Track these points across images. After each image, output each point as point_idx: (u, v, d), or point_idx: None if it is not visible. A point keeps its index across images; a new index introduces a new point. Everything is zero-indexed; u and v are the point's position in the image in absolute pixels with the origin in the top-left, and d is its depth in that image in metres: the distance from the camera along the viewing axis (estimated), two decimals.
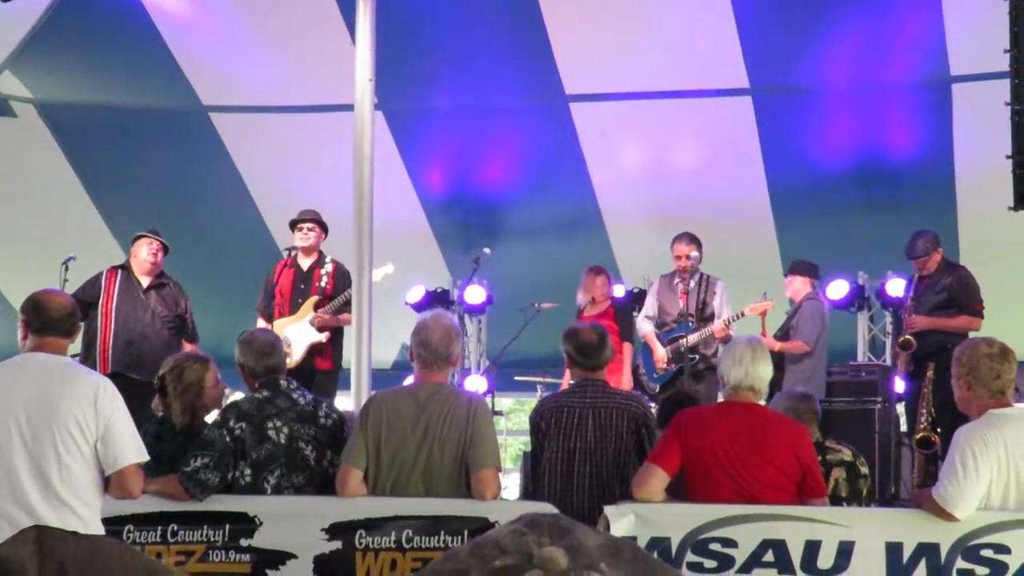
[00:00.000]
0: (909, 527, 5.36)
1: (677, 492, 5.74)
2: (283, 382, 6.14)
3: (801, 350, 10.06)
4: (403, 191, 12.51)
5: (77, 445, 4.86)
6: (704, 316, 10.06)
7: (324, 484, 5.92)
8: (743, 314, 9.99)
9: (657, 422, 6.73)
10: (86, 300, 9.31)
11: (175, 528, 5.64)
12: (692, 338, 9.88)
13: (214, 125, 12.35)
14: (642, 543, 5.26)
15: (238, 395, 6.76)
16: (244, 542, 5.58)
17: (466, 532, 5.44)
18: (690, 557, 5.35)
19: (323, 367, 9.79)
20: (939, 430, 9.22)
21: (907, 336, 9.71)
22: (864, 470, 7.23)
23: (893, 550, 5.30)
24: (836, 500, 6.81)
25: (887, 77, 11.29)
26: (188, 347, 9.63)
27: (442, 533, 5.51)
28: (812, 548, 5.32)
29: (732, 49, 11.04)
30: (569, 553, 2.43)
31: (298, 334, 9.71)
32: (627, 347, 10.32)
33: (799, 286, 10.46)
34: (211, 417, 6.33)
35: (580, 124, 11.99)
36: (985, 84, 10.08)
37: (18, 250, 13.18)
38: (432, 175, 12.83)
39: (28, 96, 12.08)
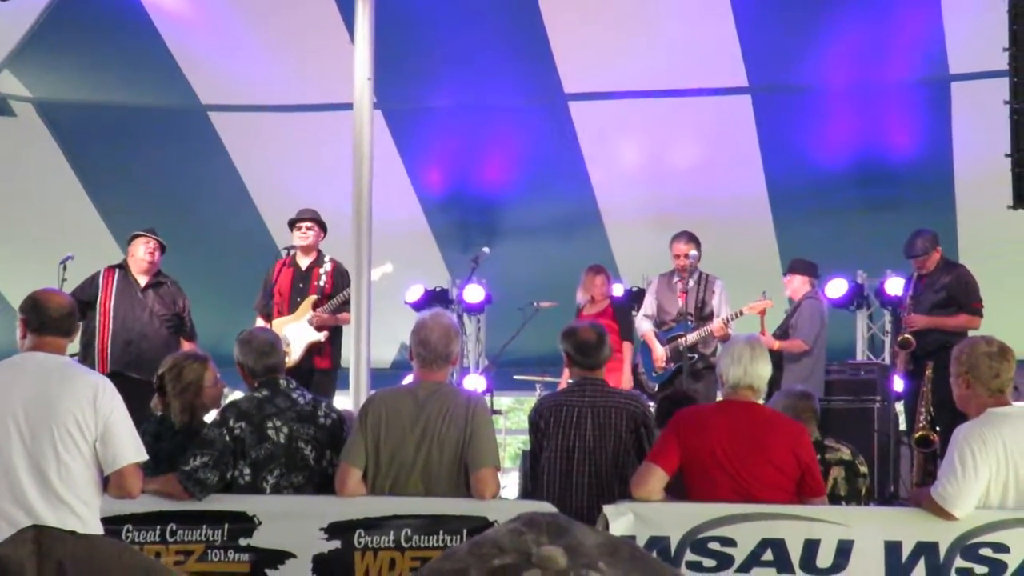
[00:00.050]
0: (908, 526, 5.36)
1: (676, 491, 5.74)
2: (283, 381, 6.14)
3: (800, 349, 10.05)
4: (402, 190, 12.51)
5: (76, 444, 4.86)
6: (703, 315, 10.05)
7: (323, 484, 5.92)
8: (742, 313, 9.99)
9: (655, 421, 6.73)
10: (84, 300, 9.30)
11: (174, 528, 5.64)
12: (691, 337, 9.88)
13: (213, 124, 12.35)
14: (641, 542, 5.26)
15: (237, 394, 6.75)
16: (243, 541, 5.58)
17: (465, 531, 5.44)
18: (689, 556, 5.35)
19: (322, 366, 9.79)
20: (938, 429, 9.23)
21: (906, 335, 9.71)
22: (863, 469, 7.23)
23: (892, 549, 5.30)
24: (835, 499, 6.81)
25: (886, 76, 11.29)
26: (187, 346, 9.63)
27: (441, 532, 5.51)
28: (811, 547, 5.32)
29: (731, 48, 11.04)
30: (567, 552, 2.43)
31: (297, 333, 9.70)
32: (627, 346, 10.32)
33: (798, 285, 10.45)
34: (210, 416, 6.33)
35: (579, 123, 11.99)
36: (984, 83, 10.08)
37: (17, 249, 13.18)
38: (431, 174, 12.83)
39: (27, 95, 12.08)
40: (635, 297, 11.60)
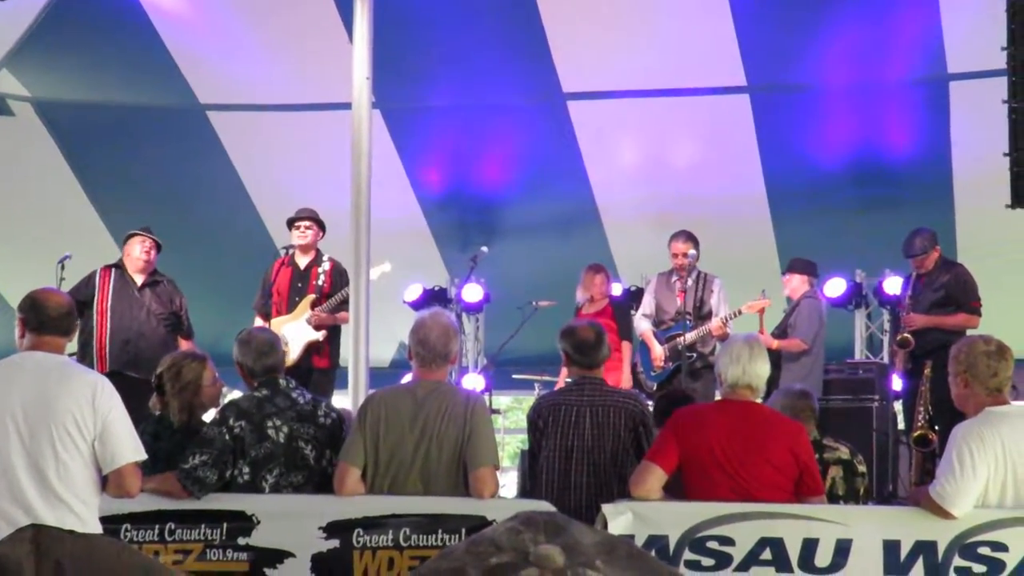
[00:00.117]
0: (906, 525, 5.36)
1: (675, 490, 5.74)
2: (282, 381, 6.14)
3: (799, 348, 10.05)
4: (401, 189, 12.51)
5: (75, 443, 4.86)
6: (701, 314, 10.05)
7: (323, 483, 5.92)
8: (740, 312, 9.99)
9: (653, 420, 6.72)
10: (80, 299, 9.29)
11: (173, 527, 5.64)
12: (690, 336, 9.88)
13: (211, 123, 12.34)
14: (640, 541, 5.26)
15: (236, 393, 6.75)
16: (242, 541, 5.58)
17: (464, 530, 5.44)
18: (688, 555, 5.35)
19: (320, 365, 9.79)
20: (937, 428, 9.24)
21: (905, 334, 9.72)
22: (861, 468, 7.23)
23: (891, 548, 5.30)
24: (833, 498, 6.81)
25: (885, 75, 11.29)
26: (184, 344, 9.65)
27: (440, 531, 5.51)
28: (810, 546, 5.32)
29: (729, 47, 11.04)
30: (565, 551, 2.43)
31: (295, 332, 9.70)
32: (626, 346, 10.32)
33: (797, 284, 10.45)
34: (209, 416, 6.33)
35: (578, 122, 11.99)
36: (983, 82, 10.09)
37: (15, 249, 13.18)
38: (429, 173, 12.83)
39: (25, 95, 12.07)
40: (634, 296, 11.59)
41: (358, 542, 5.53)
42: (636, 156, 12.52)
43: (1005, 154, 7.50)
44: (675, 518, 5.44)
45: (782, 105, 11.73)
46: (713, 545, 5.36)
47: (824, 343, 10.30)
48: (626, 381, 10.04)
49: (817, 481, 5.77)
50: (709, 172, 12.16)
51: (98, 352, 9.47)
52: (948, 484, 5.23)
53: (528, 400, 12.89)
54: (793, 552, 5.32)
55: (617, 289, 11.47)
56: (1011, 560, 5.21)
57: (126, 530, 5.57)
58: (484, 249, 11.69)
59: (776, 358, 9.17)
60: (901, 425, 10.63)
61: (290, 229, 10.10)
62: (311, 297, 9.84)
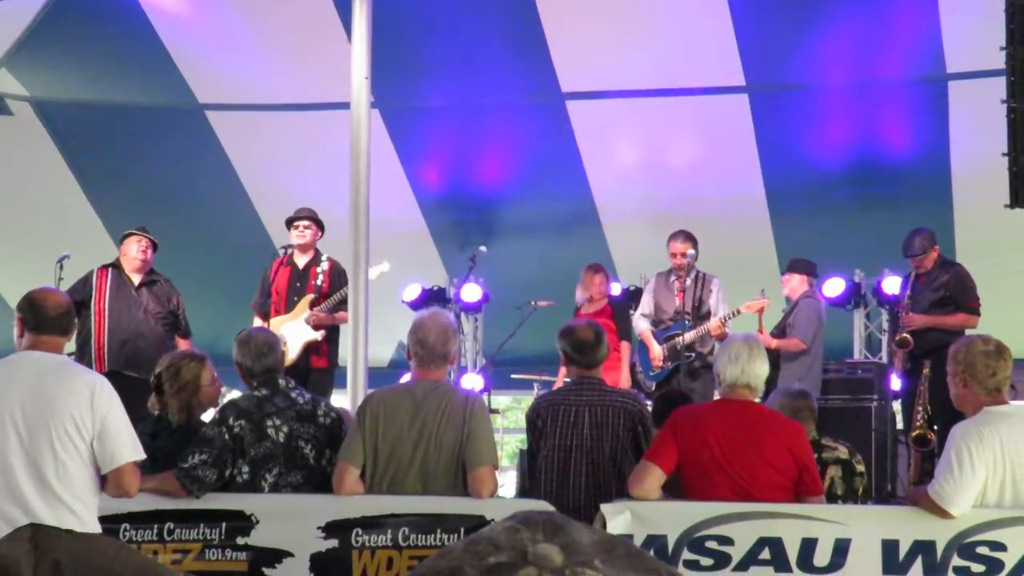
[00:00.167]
0: (905, 524, 5.36)
1: (674, 490, 5.74)
2: (282, 381, 6.15)
3: (798, 348, 10.06)
4: (399, 189, 12.50)
5: (73, 443, 4.87)
6: (700, 314, 10.05)
7: (322, 483, 5.93)
8: (739, 312, 10.00)
9: (652, 420, 6.72)
10: (77, 300, 9.28)
11: (171, 526, 5.64)
12: (688, 336, 9.89)
13: (210, 123, 12.33)
14: (638, 541, 5.26)
15: (235, 393, 6.76)
16: (241, 540, 5.59)
17: (463, 530, 5.45)
18: (686, 555, 5.35)
19: (319, 365, 9.79)
20: (935, 428, 9.24)
21: (904, 334, 9.72)
22: (860, 468, 7.23)
23: (889, 547, 5.30)
24: (832, 498, 6.80)
25: (883, 75, 11.30)
26: (182, 343, 9.67)
27: (439, 531, 5.51)
28: (808, 546, 5.33)
29: (728, 47, 11.03)
30: (563, 550, 2.42)
31: (294, 332, 9.70)
32: (624, 345, 10.32)
33: (796, 284, 10.45)
34: (207, 415, 6.34)
35: (576, 122, 11.99)
36: (981, 81, 10.09)
37: (13, 248, 13.17)
38: (428, 173, 12.83)
39: (24, 94, 12.06)
40: (633, 296, 11.59)
41: (357, 542, 5.53)
42: (635, 156, 12.52)
43: (1004, 154, 7.48)
44: (674, 518, 5.44)
45: (781, 105, 11.73)
46: (712, 545, 5.36)
47: (823, 343, 10.31)
48: (625, 381, 10.05)
49: (816, 481, 5.77)
50: (708, 172, 12.15)
51: (96, 352, 9.48)
52: (947, 484, 5.23)
53: (527, 400, 12.88)
54: (792, 552, 5.32)
55: (616, 289, 11.48)
56: (1010, 560, 5.21)
57: (125, 530, 5.58)
58: (483, 249, 11.70)
59: (775, 358, 9.17)
60: (900, 425, 10.63)
61: (289, 229, 10.10)
62: (310, 297, 9.83)
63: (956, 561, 5.23)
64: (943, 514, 5.24)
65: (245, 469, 5.86)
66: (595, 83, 11.68)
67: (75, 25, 11.21)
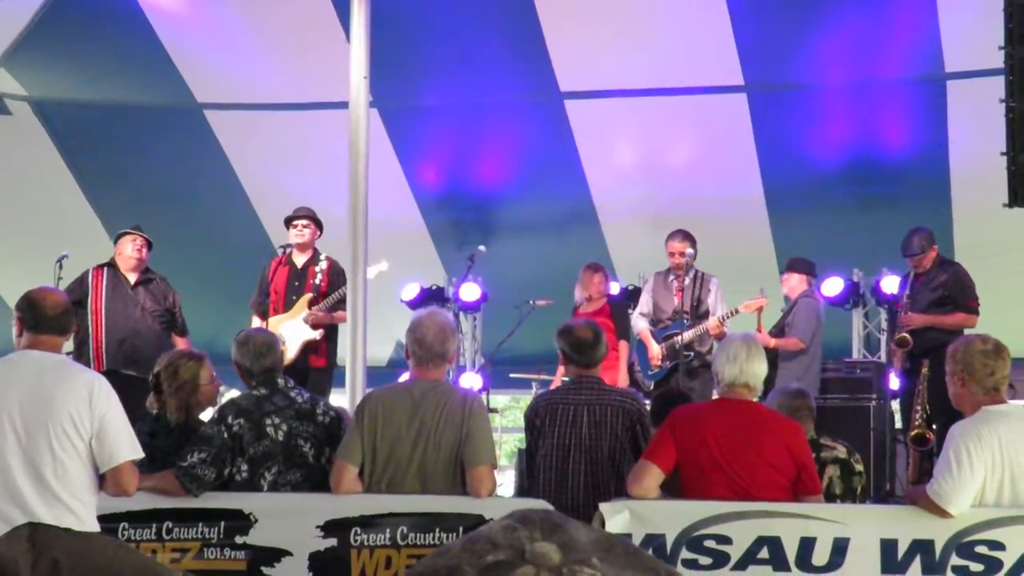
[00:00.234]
0: (904, 523, 5.36)
1: (672, 489, 5.74)
2: (280, 381, 6.16)
3: (796, 347, 10.06)
4: (398, 188, 12.50)
5: (72, 442, 4.87)
6: (699, 313, 10.05)
7: (321, 481, 5.92)
8: (738, 311, 10.00)
9: (651, 419, 6.72)
10: (74, 299, 9.26)
11: (170, 525, 5.65)
12: (687, 335, 9.89)
13: (209, 122, 12.33)
14: (637, 540, 5.25)
15: (233, 393, 6.76)
16: (239, 539, 5.59)
17: (461, 529, 5.43)
18: (685, 554, 5.35)
19: (317, 364, 9.78)
20: (934, 427, 9.24)
21: (903, 334, 9.72)
22: (859, 467, 7.23)
23: (888, 547, 5.30)
24: (830, 497, 6.81)
25: (882, 74, 11.30)
26: (179, 341, 9.68)
27: (437, 530, 5.51)
28: (807, 545, 5.33)
29: (727, 46, 11.03)
30: (561, 548, 2.43)
31: (292, 331, 9.69)
32: (623, 345, 10.31)
33: (795, 283, 10.46)
34: (206, 415, 6.34)
35: (575, 121, 11.98)
36: (980, 81, 10.09)
37: (12, 248, 13.17)
38: (427, 172, 12.82)
39: (23, 93, 12.06)
40: (631, 295, 11.59)
41: (356, 541, 5.53)
42: (633, 155, 12.52)
43: (1002, 153, 7.48)
44: (672, 517, 5.44)
45: (779, 104, 11.73)
46: (710, 544, 5.36)
47: (821, 342, 10.31)
48: (623, 380, 10.04)
49: (814, 480, 5.76)
50: (706, 171, 12.15)
51: (94, 351, 9.48)
52: (945, 483, 5.23)
53: (525, 399, 12.88)
54: (790, 551, 5.32)
55: (614, 288, 11.48)
56: (1008, 559, 5.21)
57: (124, 529, 5.58)
58: (481, 248, 11.70)
59: (773, 357, 9.18)
60: (898, 424, 10.63)
61: (287, 228, 10.10)
62: (308, 296, 9.83)
63: (955, 560, 5.23)
64: (942, 513, 5.24)
65: (244, 468, 5.86)
66: (594, 82, 11.68)
67: (74, 25, 11.21)
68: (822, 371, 10.42)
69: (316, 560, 5.53)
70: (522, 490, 8.82)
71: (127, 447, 4.98)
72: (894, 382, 10.42)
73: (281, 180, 12.47)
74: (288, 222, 10.09)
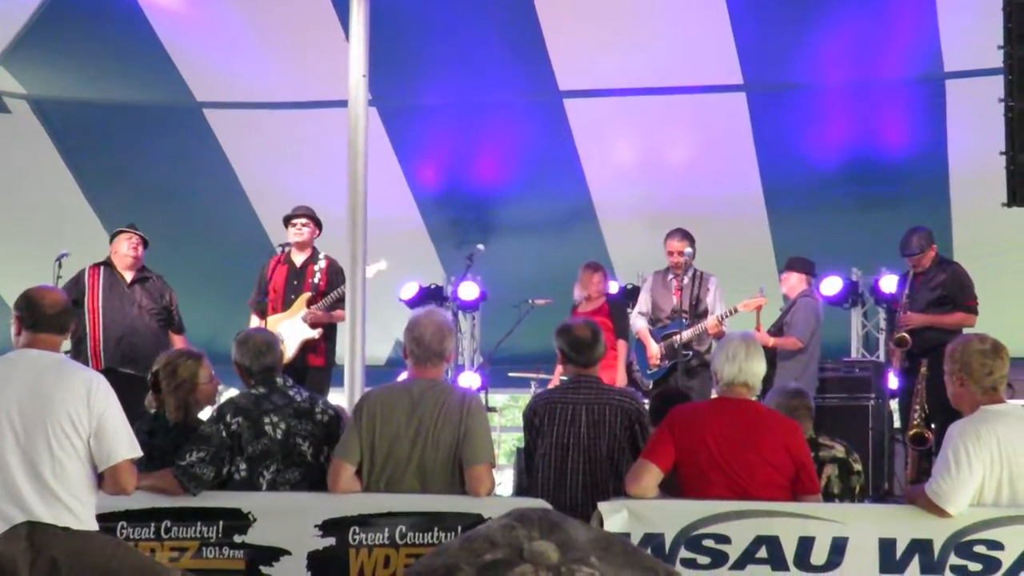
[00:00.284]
0: (902, 523, 5.36)
1: (671, 488, 5.74)
2: (279, 380, 6.16)
3: (795, 346, 10.06)
4: (397, 187, 12.50)
5: (70, 441, 4.87)
6: (698, 312, 10.05)
7: (320, 480, 5.92)
8: (736, 310, 10.00)
9: (649, 418, 6.72)
10: (71, 299, 9.29)
11: (169, 524, 5.64)
12: (686, 334, 9.89)
13: (208, 121, 12.33)
14: (636, 539, 5.25)
15: (232, 392, 6.76)
16: (238, 538, 5.59)
17: (460, 528, 5.42)
18: (684, 553, 5.35)
19: (316, 363, 9.78)
20: (933, 426, 9.24)
21: (903, 333, 9.72)
22: (857, 467, 7.23)
23: (886, 546, 5.30)
24: (829, 497, 6.81)
25: (881, 73, 11.30)
26: (175, 339, 9.70)
27: (436, 529, 5.51)
28: (805, 544, 5.32)
29: (726, 45, 11.03)
30: (560, 547, 2.43)
31: (291, 330, 9.69)
32: (621, 344, 10.30)
33: (795, 282, 10.46)
34: (204, 414, 6.34)
35: (574, 120, 11.98)
36: (979, 80, 10.09)
37: (11, 246, 13.17)
38: (426, 171, 12.82)
39: (22, 92, 12.06)
40: (630, 294, 11.59)
41: (354, 540, 5.53)
42: (632, 154, 12.52)
43: (1001, 153, 7.48)
44: (671, 516, 5.44)
45: (778, 103, 11.73)
46: (709, 543, 5.36)
47: (820, 342, 10.32)
48: (621, 379, 10.03)
49: (813, 479, 5.76)
50: (705, 170, 12.15)
51: (92, 350, 9.48)
52: (944, 482, 5.23)
53: (524, 398, 12.89)
54: (789, 550, 5.32)
55: (613, 287, 11.48)
56: (1007, 558, 5.21)
57: (122, 528, 5.58)
58: (480, 247, 11.70)
59: (771, 356, 9.18)
60: (897, 423, 10.63)
61: (286, 226, 10.10)
62: (307, 295, 9.83)
63: (953, 560, 5.23)
64: (940, 513, 5.24)
65: (243, 466, 5.87)
66: (593, 81, 11.68)
67: (73, 23, 11.20)
68: (821, 370, 10.43)
69: (315, 559, 5.53)
70: (521, 489, 8.84)
71: (125, 446, 4.98)
72: (893, 381, 10.42)
73: (280, 179, 12.47)
74: (287, 221, 10.09)
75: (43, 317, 5.09)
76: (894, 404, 10.72)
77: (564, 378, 6.92)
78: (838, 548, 5.31)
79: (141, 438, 5.26)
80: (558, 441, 6.39)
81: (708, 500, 5.49)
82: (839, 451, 7.20)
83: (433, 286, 12.91)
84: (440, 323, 5.90)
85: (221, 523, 5.62)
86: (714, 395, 6.42)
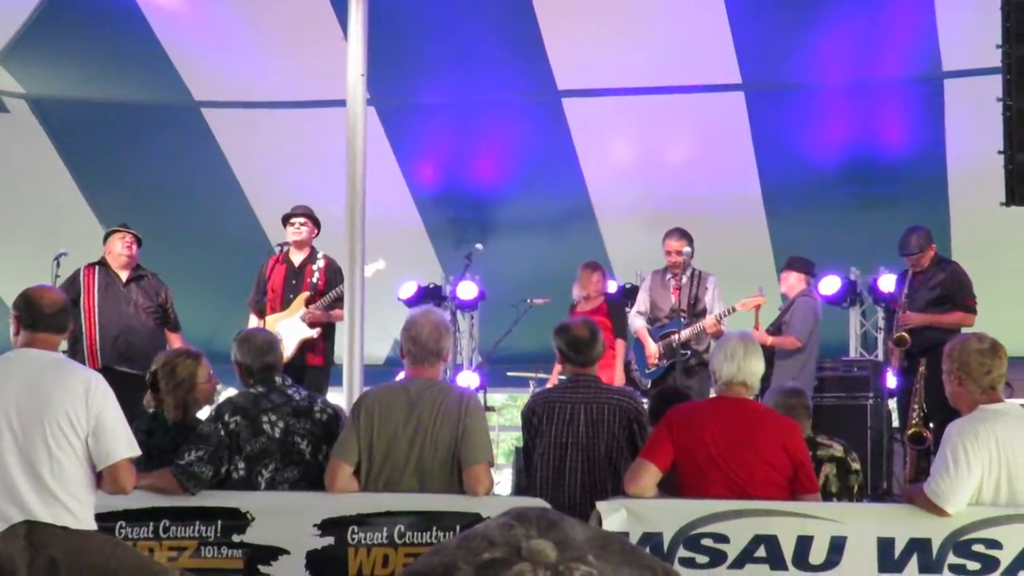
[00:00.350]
0: (901, 522, 5.36)
1: (670, 487, 5.74)
2: (278, 379, 6.16)
3: (793, 346, 10.06)
4: (395, 186, 12.51)
5: (68, 440, 4.86)
6: (696, 312, 10.05)
7: (319, 478, 5.91)
8: (735, 309, 10.00)
9: (648, 418, 6.72)
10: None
11: (167, 524, 5.64)
12: (684, 334, 9.88)
13: (206, 120, 12.34)
14: (634, 538, 5.25)
15: (230, 391, 6.76)
16: (236, 538, 5.59)
17: (458, 527, 5.42)
18: (682, 553, 5.35)
19: (314, 363, 9.78)
20: (931, 425, 9.24)
21: (902, 333, 9.72)
22: (855, 466, 7.23)
23: (885, 545, 5.30)
24: (827, 496, 6.81)
25: (880, 73, 11.30)
26: (172, 337, 9.72)
27: (434, 529, 5.50)
28: (804, 543, 5.32)
29: (724, 44, 11.04)
30: (557, 546, 2.43)
31: (289, 330, 9.69)
32: (620, 343, 10.30)
33: (794, 282, 10.46)
34: (203, 413, 6.34)
35: (573, 120, 11.99)
36: (977, 80, 10.09)
37: (9, 246, 13.17)
38: (424, 170, 12.83)
39: (20, 91, 12.06)
40: (628, 294, 11.60)
41: (353, 539, 5.53)
42: (631, 153, 12.52)
43: (1000, 152, 7.48)
44: (670, 515, 5.43)
45: (777, 103, 11.74)
46: (708, 542, 5.36)
47: (818, 341, 10.32)
48: (619, 379, 10.02)
49: (811, 478, 5.76)
50: (704, 169, 12.15)
51: (89, 349, 9.48)
52: (943, 481, 5.23)
53: (522, 398, 12.90)
54: (787, 549, 5.32)
55: (612, 287, 11.47)
56: (1005, 557, 5.21)
57: (121, 527, 5.58)
58: (479, 246, 11.69)
59: (769, 355, 9.18)
60: (896, 423, 10.63)
61: (285, 226, 10.10)
62: (305, 294, 9.83)
63: (952, 559, 5.23)
64: (939, 512, 5.24)
65: (241, 465, 5.86)
66: (591, 81, 11.69)
67: (71, 22, 11.21)
68: (819, 370, 10.44)
69: (313, 559, 5.52)
70: (519, 488, 8.85)
71: (124, 445, 4.97)
72: (891, 381, 10.42)
73: (278, 178, 12.47)
74: (285, 220, 10.10)
75: (42, 317, 5.09)
76: (892, 403, 10.71)
77: (562, 377, 6.92)
78: (836, 547, 5.30)
79: (139, 437, 5.26)
80: (556, 440, 6.39)
81: (706, 499, 5.49)
82: (837, 450, 7.20)
83: (431, 285, 12.92)
84: (436, 322, 5.90)
85: (220, 522, 5.62)
86: (712, 394, 6.42)
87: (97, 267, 9.79)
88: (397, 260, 10.82)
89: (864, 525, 5.38)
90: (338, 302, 9.29)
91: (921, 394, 9.37)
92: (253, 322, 9.76)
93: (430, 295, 12.64)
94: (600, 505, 5.49)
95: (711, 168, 12.15)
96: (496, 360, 12.18)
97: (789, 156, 11.97)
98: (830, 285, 11.83)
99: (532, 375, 11.91)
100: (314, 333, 9.74)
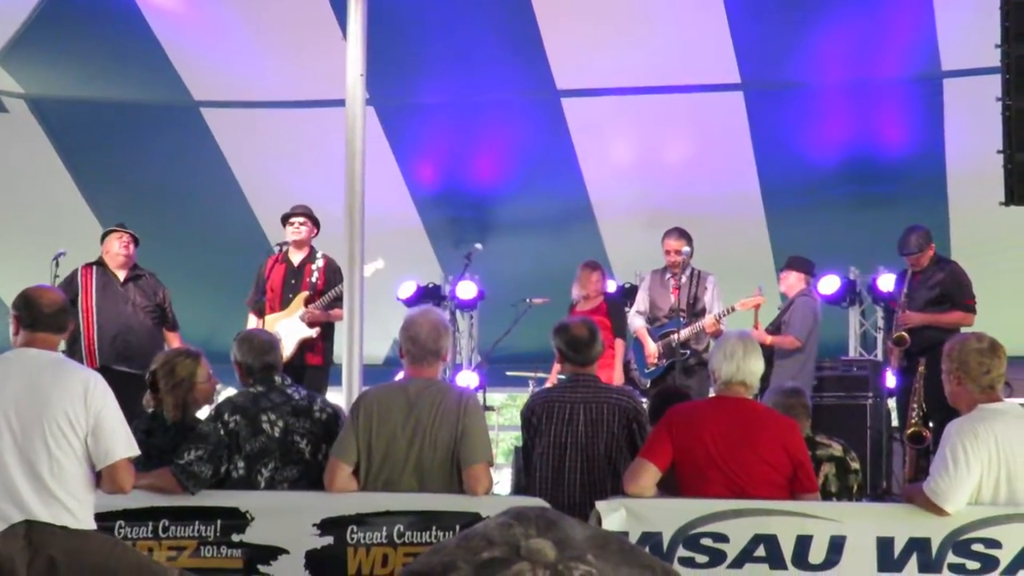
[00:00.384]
0: (900, 521, 5.36)
1: (669, 487, 5.74)
2: (278, 378, 6.17)
3: (792, 345, 10.07)
4: (394, 186, 12.51)
5: (67, 440, 4.86)
6: (695, 311, 10.06)
7: (319, 477, 5.91)
8: (734, 309, 10.00)
9: (647, 417, 6.72)
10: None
11: (166, 523, 5.64)
12: (683, 333, 9.88)
13: (205, 120, 12.33)
14: (634, 538, 5.25)
15: (230, 391, 6.76)
16: (236, 537, 5.59)
17: (457, 527, 5.43)
18: (681, 552, 5.35)
19: (313, 362, 9.78)
20: (931, 425, 9.24)
21: (901, 332, 9.72)
22: (855, 465, 7.23)
23: (884, 545, 5.30)
24: (826, 495, 6.81)
25: (879, 72, 11.30)
26: (170, 336, 9.73)
27: (434, 528, 5.51)
28: (803, 543, 5.32)
29: (724, 44, 11.04)
30: (556, 545, 2.42)
31: (289, 329, 9.69)
32: (619, 343, 10.30)
33: (793, 282, 10.47)
34: (202, 413, 6.34)
35: (572, 119, 11.99)
36: (976, 79, 10.08)
37: (8, 245, 13.17)
38: (423, 170, 12.83)
39: (19, 91, 12.06)
40: (628, 293, 11.60)
41: (352, 539, 5.53)
42: (630, 153, 12.52)
43: (999, 152, 7.48)
44: (669, 515, 5.44)
45: (776, 102, 11.74)
46: (707, 542, 5.36)
47: (817, 341, 10.32)
48: (618, 378, 10.02)
49: (811, 478, 5.76)
50: (703, 169, 12.15)
51: (87, 348, 9.49)
52: (942, 481, 5.23)
53: (522, 397, 12.91)
54: (787, 549, 5.32)
55: (611, 286, 11.47)
56: (1005, 557, 5.21)
57: (120, 527, 5.58)
58: (478, 246, 11.69)
59: (768, 354, 9.18)
60: (895, 422, 10.63)
61: (284, 225, 10.11)
62: (305, 294, 9.83)
63: (951, 558, 5.23)
64: (938, 511, 5.24)
65: (241, 464, 5.87)
66: (591, 80, 11.68)
67: (70, 22, 11.20)
68: (819, 369, 10.44)
69: (312, 558, 5.53)
70: (519, 488, 8.85)
71: (123, 444, 4.97)
72: (890, 380, 10.43)
73: (278, 178, 12.47)
74: (284, 220, 10.10)
75: (41, 316, 5.09)
76: (892, 403, 10.71)
77: (562, 377, 6.92)
78: (836, 547, 5.31)
79: (139, 437, 5.27)
80: (556, 440, 6.38)
81: (706, 499, 5.49)
82: (837, 450, 7.20)
83: (431, 285, 12.92)
84: (435, 321, 5.90)
85: (219, 522, 5.62)
86: (712, 394, 6.42)
87: (95, 267, 9.79)
88: (396, 260, 10.82)
89: (863, 524, 5.38)
90: (337, 302, 9.30)
91: (920, 394, 9.37)
92: (252, 322, 9.77)
93: (429, 295, 12.64)
94: (599, 505, 5.49)
95: (710, 168, 12.15)
96: (495, 360, 12.18)
97: (788, 156, 11.97)
98: (829, 285, 11.84)
99: (531, 375, 11.91)
100: (313, 333, 9.74)
